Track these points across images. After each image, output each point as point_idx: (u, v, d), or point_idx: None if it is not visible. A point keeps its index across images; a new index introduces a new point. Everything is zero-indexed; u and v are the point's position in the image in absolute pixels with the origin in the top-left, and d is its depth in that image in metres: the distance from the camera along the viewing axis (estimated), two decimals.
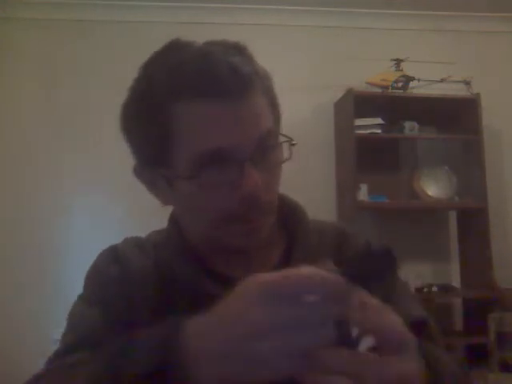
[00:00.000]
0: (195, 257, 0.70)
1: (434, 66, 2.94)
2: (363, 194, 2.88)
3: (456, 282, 3.07)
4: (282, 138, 0.66)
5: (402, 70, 2.99)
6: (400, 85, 2.97)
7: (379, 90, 2.95)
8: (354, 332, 0.42)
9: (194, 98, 0.59)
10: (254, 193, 0.60)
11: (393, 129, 2.97)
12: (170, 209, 0.77)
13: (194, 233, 0.70)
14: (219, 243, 0.66)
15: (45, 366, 0.64)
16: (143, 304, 0.67)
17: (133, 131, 0.65)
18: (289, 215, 0.74)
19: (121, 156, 2.97)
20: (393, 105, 2.96)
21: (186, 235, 0.71)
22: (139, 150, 0.66)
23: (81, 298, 0.72)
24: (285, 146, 0.66)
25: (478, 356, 2.45)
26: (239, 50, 0.64)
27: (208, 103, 0.59)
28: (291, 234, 0.73)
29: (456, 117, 3.07)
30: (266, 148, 0.62)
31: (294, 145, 0.65)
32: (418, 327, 0.66)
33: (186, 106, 0.60)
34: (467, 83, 3.00)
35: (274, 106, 0.67)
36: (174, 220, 0.74)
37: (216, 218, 0.63)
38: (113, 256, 0.72)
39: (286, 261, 0.70)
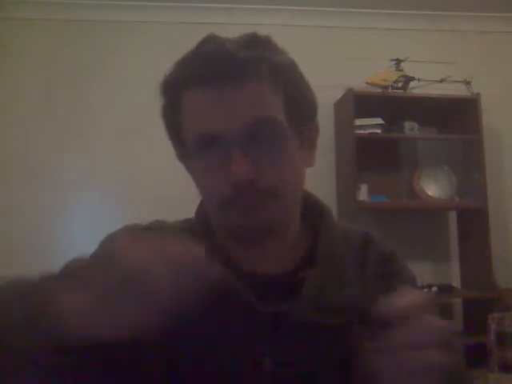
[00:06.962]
0: (218, 250, 0.69)
1: (434, 66, 2.93)
2: (363, 194, 2.88)
3: (456, 282, 3.07)
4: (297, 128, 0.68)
5: (402, 70, 2.99)
6: (400, 85, 2.96)
7: (379, 90, 2.94)
8: None
9: (192, 85, 0.63)
10: (242, 178, 0.60)
11: (393, 129, 2.97)
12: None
13: (213, 222, 0.71)
14: (227, 229, 0.67)
15: None
16: None
17: (164, 120, 0.70)
18: (314, 215, 0.75)
19: (121, 156, 2.96)
20: (393, 105, 2.96)
21: (212, 227, 0.72)
22: (169, 136, 0.70)
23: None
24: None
25: (477, 356, 2.44)
26: (255, 41, 0.64)
27: (201, 90, 0.62)
28: (316, 234, 0.73)
29: (456, 117, 3.07)
30: (261, 135, 0.62)
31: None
32: None
33: (185, 93, 0.64)
34: (467, 83, 3.00)
35: (287, 95, 0.66)
36: (200, 209, 0.75)
37: (216, 202, 0.65)
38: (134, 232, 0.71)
39: (310, 260, 0.70)
